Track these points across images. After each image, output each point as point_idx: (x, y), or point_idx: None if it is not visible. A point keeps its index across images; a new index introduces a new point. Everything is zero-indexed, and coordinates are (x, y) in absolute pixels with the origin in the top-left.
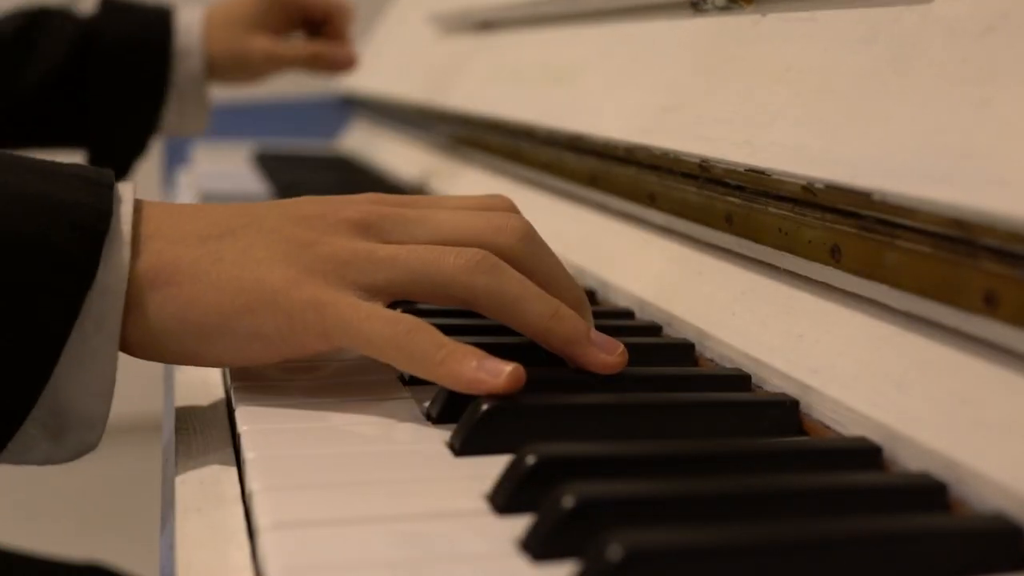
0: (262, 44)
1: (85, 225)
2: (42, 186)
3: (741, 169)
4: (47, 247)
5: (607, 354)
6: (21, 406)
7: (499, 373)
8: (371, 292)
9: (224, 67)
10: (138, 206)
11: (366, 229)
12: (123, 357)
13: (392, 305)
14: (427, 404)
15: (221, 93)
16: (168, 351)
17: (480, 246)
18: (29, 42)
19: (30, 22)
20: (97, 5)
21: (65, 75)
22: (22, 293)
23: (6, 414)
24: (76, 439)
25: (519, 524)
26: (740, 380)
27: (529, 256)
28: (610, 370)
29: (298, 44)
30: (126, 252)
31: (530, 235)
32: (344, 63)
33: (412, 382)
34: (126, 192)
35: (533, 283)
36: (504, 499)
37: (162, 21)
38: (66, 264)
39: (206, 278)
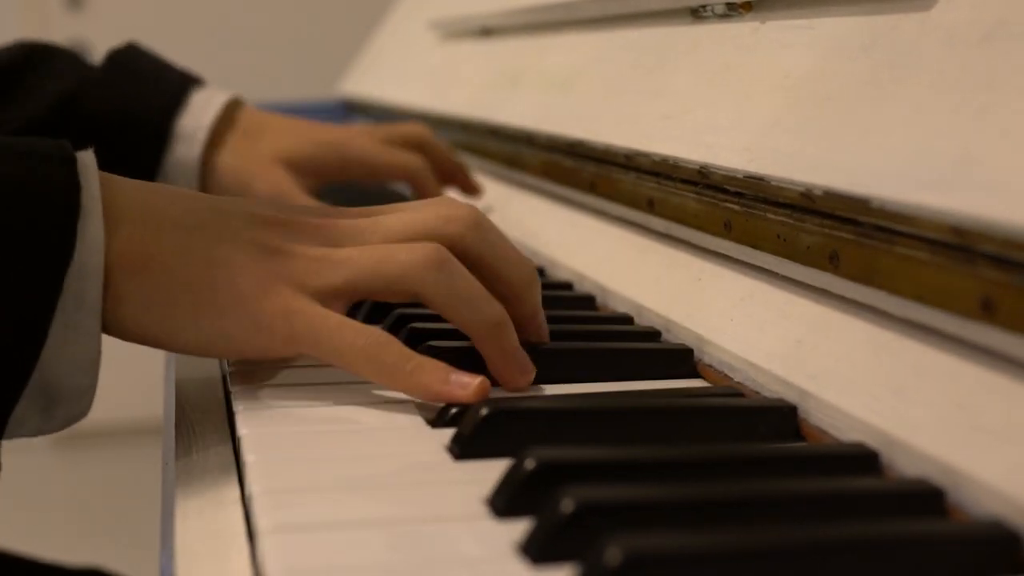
0: (275, 180)
1: (56, 204)
2: (3, 169)
3: (740, 175)
4: (22, 231)
5: (521, 376)
6: (13, 387)
7: (467, 386)
8: (331, 294)
9: (219, 181)
10: (104, 181)
11: (325, 239)
12: (124, 360)
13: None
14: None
15: None
16: (132, 335)
17: (431, 239)
18: (17, 81)
19: (26, 58)
20: (104, 60)
21: (46, 130)
22: (1, 280)
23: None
24: (65, 411)
25: (518, 528)
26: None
27: (479, 241)
28: (516, 391)
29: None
30: (99, 227)
31: (477, 221)
32: None
33: None
34: (88, 163)
35: (485, 264)
36: (503, 503)
37: (172, 96)
38: (43, 246)
39: (177, 273)
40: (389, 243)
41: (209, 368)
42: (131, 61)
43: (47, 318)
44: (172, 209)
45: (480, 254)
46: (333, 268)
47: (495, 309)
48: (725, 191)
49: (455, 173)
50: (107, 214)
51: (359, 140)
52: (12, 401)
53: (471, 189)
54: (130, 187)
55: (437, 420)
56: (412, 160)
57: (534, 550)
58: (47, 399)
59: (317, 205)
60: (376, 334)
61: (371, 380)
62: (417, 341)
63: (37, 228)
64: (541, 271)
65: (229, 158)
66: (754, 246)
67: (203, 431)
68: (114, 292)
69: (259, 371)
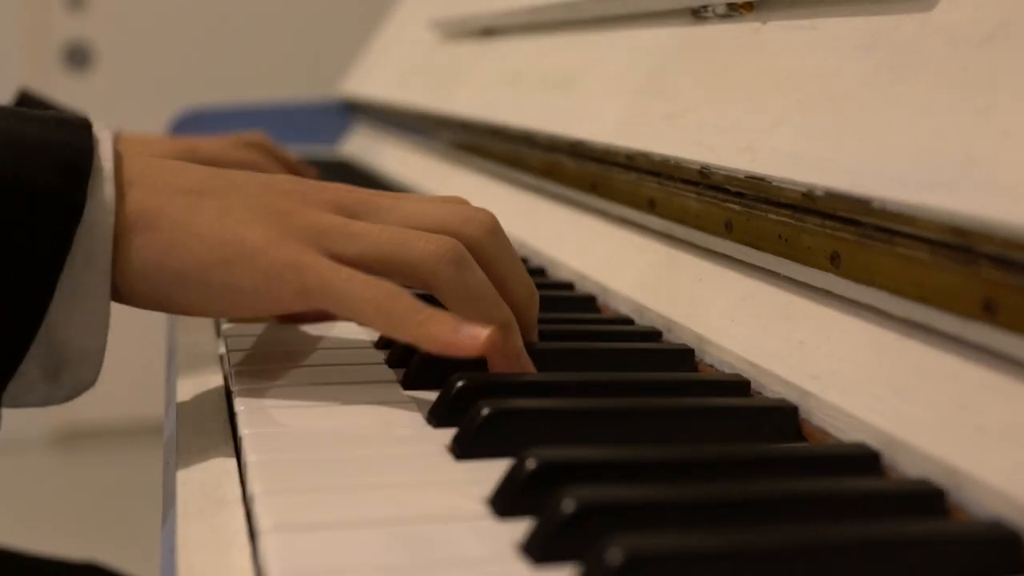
0: None
1: (69, 163)
2: (21, 128)
3: (741, 175)
4: (34, 187)
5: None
6: (19, 345)
7: (477, 337)
8: (341, 263)
9: None
10: (117, 150)
11: (340, 209)
12: (125, 360)
13: None
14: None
15: (221, 96)
16: (141, 295)
17: (448, 235)
18: None
19: None
20: (15, 99)
21: None
22: (12, 234)
23: (5, 354)
24: (73, 377)
25: (520, 528)
26: (739, 386)
27: (492, 248)
28: None
29: None
30: (110, 189)
31: (495, 229)
32: None
33: (413, 386)
34: (103, 133)
35: (494, 273)
36: (505, 503)
37: (84, 130)
38: (54, 202)
39: (187, 228)
40: (407, 227)
41: (210, 367)
42: (34, 103)
43: (55, 276)
44: (182, 176)
45: (491, 261)
46: (347, 238)
47: (503, 311)
48: (726, 191)
49: (297, 170)
50: (118, 179)
51: (208, 143)
52: (17, 359)
53: None
54: (138, 157)
55: (408, 376)
56: (255, 158)
57: (535, 550)
58: (55, 362)
59: (334, 184)
60: (387, 285)
61: (381, 331)
62: None
63: (49, 185)
64: (542, 271)
65: None
66: (755, 246)
67: (204, 430)
68: (124, 254)
69: (261, 371)
